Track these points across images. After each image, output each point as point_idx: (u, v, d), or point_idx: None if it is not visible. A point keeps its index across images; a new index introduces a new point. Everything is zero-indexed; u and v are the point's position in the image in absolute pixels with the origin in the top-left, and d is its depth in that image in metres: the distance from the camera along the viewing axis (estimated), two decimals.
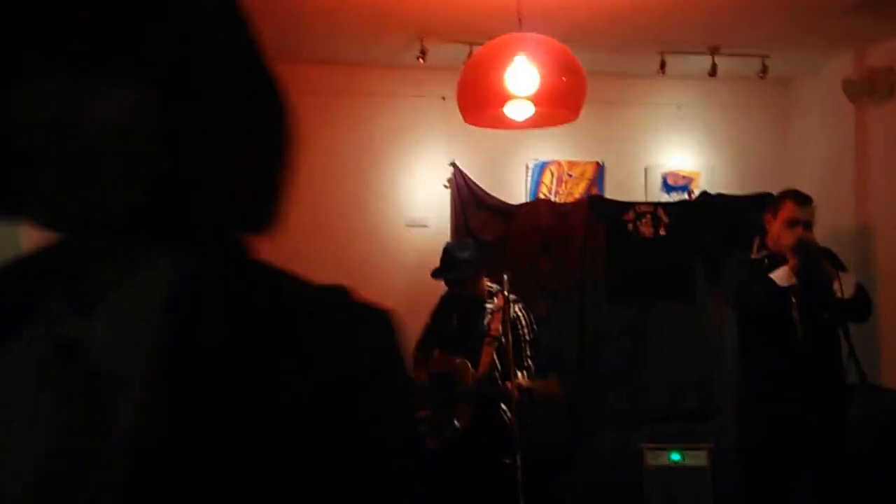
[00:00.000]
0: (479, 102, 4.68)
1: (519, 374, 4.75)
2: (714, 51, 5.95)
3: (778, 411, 4.69)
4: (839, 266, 4.76)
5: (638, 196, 6.63)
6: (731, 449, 5.24)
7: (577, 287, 6.21)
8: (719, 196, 6.40)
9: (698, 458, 6.00)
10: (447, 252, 5.00)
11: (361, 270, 6.36)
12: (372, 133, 6.54)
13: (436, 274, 4.97)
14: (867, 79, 5.85)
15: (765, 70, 6.18)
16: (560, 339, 6.12)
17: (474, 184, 6.27)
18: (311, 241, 6.26)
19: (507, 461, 4.35)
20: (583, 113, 6.20)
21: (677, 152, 6.96)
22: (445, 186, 6.32)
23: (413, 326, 5.06)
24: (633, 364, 6.18)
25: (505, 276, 4.72)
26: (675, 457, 5.99)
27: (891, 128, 5.96)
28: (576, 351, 6.11)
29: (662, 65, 6.02)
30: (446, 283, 5.02)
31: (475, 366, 4.77)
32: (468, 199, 6.27)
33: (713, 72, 6.05)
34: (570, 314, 6.16)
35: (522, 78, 4.40)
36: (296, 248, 6.21)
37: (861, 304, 4.64)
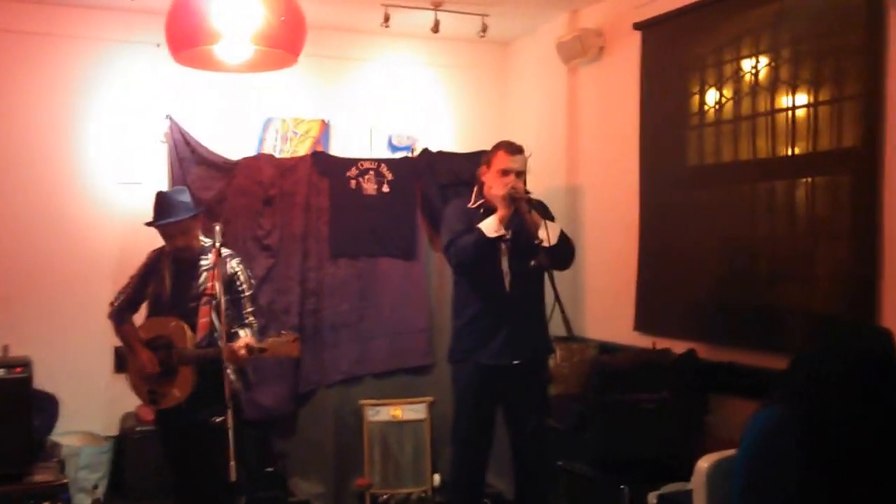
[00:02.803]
0: (187, 40, 4.41)
1: (241, 332, 4.59)
2: (437, 5, 5.98)
3: (483, 359, 4.81)
4: (549, 217, 4.90)
5: (364, 156, 6.56)
6: (449, 399, 5.31)
7: (300, 244, 6.11)
8: (440, 153, 6.47)
9: (417, 412, 6.09)
10: (162, 197, 4.69)
11: (68, 231, 6.10)
12: (75, 81, 6.16)
13: (154, 221, 4.63)
14: (578, 40, 6.03)
15: (485, 29, 6.28)
16: (281, 297, 6.01)
17: (192, 139, 6.02)
18: (7, 201, 5.93)
19: (218, 420, 4.15)
20: (308, 69, 6.18)
21: (401, 111, 7.00)
22: (162, 142, 6.06)
23: None
24: (355, 321, 6.15)
25: (217, 227, 4.44)
26: (394, 412, 6.04)
27: (599, 88, 6.21)
28: (297, 309, 6.01)
29: (387, 18, 6.00)
30: (164, 233, 4.64)
31: (193, 328, 4.51)
32: (186, 154, 6.00)
33: (436, 28, 6.10)
34: (291, 272, 6.05)
35: (234, 15, 4.20)
36: None
37: (565, 251, 4.80)
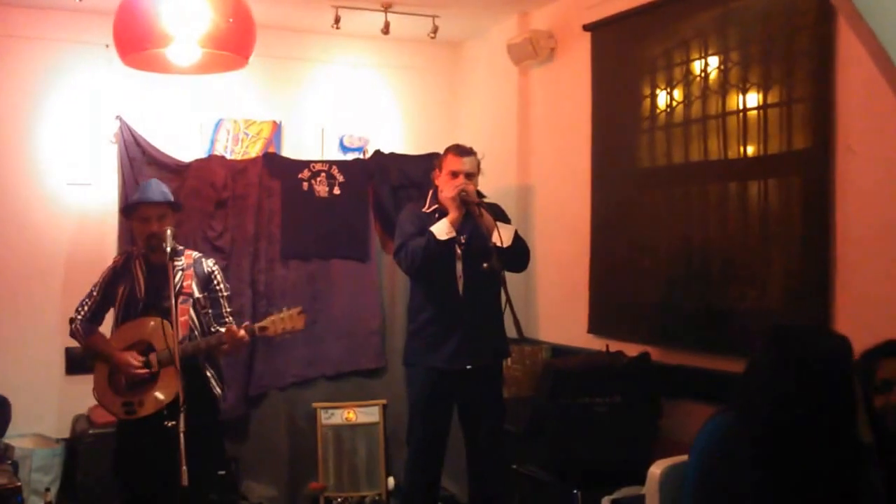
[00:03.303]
0: (135, 43, 4.36)
1: (223, 329, 4.50)
2: (387, 7, 5.97)
3: (437, 363, 4.81)
4: (505, 219, 4.91)
5: (316, 157, 6.56)
6: (403, 402, 5.29)
7: (251, 246, 6.07)
8: (392, 155, 6.45)
9: (371, 415, 6.08)
10: (142, 184, 4.68)
11: (19, 232, 6.02)
12: (23, 82, 6.07)
13: (139, 200, 4.46)
14: (529, 41, 6.02)
15: (435, 30, 6.27)
16: (234, 299, 5.95)
17: (143, 139, 5.96)
18: None
19: (171, 424, 4.05)
20: (259, 70, 6.15)
21: (353, 112, 6.97)
22: (112, 142, 5.98)
23: (75, 291, 4.72)
24: (307, 323, 6.09)
25: (168, 231, 4.29)
26: (348, 414, 6.03)
27: (549, 90, 6.22)
28: (249, 311, 5.96)
29: (337, 20, 5.97)
30: (140, 216, 4.42)
31: (172, 327, 4.28)
32: (137, 155, 5.93)
33: (386, 29, 6.08)
34: (242, 274, 6.00)
35: (182, 18, 4.16)
36: None
37: (519, 253, 4.80)
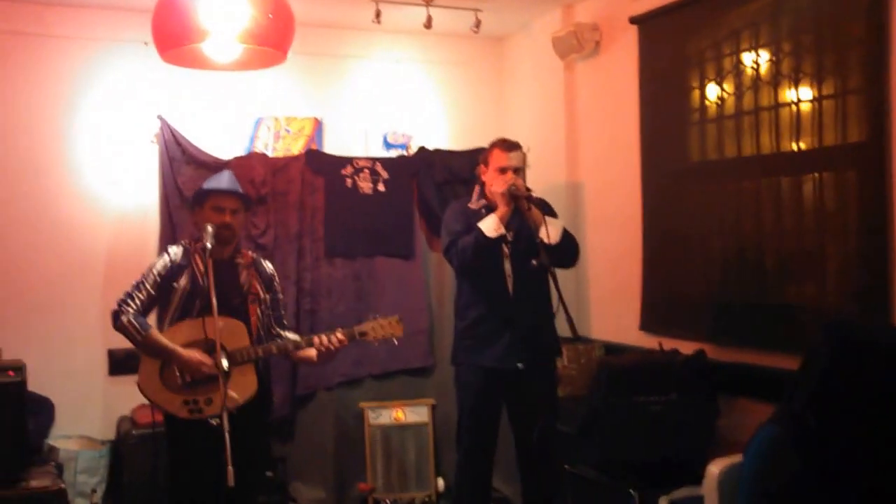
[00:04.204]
0: (174, 38, 4.30)
1: (286, 333, 4.44)
2: (428, 2, 5.86)
3: (487, 362, 4.71)
4: (552, 214, 4.80)
5: (359, 154, 6.48)
6: (451, 402, 5.19)
7: (294, 243, 6.01)
8: (436, 151, 6.37)
9: (420, 414, 5.99)
10: (223, 172, 4.52)
11: (59, 232, 5.99)
12: (63, 81, 6.02)
13: (217, 188, 4.33)
14: (574, 35, 5.94)
15: (478, 24, 6.16)
16: None
17: (183, 138, 5.93)
18: None
19: (215, 422, 3.95)
20: (300, 67, 6.10)
21: (396, 109, 6.89)
22: (152, 142, 5.95)
23: (116, 292, 4.36)
24: (352, 322, 5.98)
25: (209, 227, 4.16)
26: (396, 414, 5.94)
27: (596, 83, 6.12)
28: (293, 309, 5.90)
29: (378, 14, 5.88)
30: (214, 205, 4.28)
31: (244, 327, 4.23)
32: (177, 154, 5.91)
33: (428, 24, 5.97)
34: (287, 272, 5.93)
35: (221, 13, 4.11)
36: None
37: (567, 249, 4.69)
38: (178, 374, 4.19)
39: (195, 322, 4.20)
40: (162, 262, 4.32)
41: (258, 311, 4.34)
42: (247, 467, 3.72)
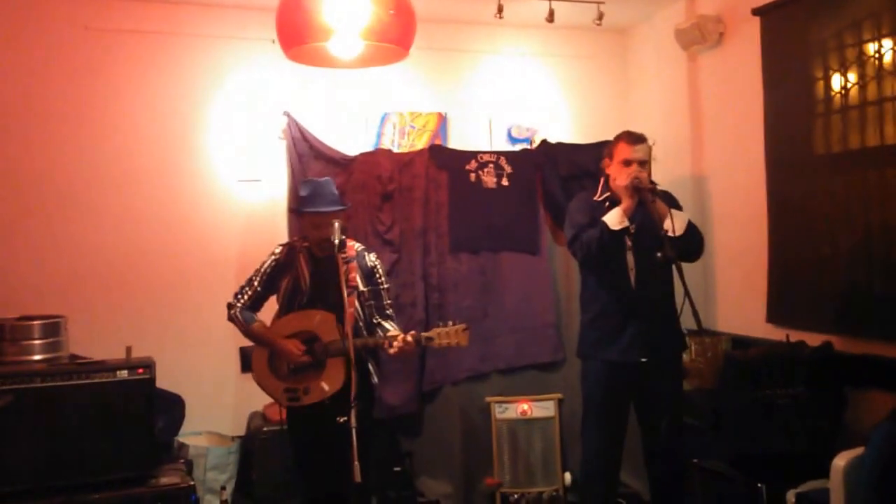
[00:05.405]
0: (297, 36, 4.35)
1: (386, 324, 4.60)
2: None
3: (612, 355, 4.66)
4: (676, 207, 4.73)
5: (483, 149, 6.50)
6: (578, 396, 5.17)
7: (420, 239, 6.06)
8: (560, 144, 6.33)
9: (546, 409, 5.96)
10: (312, 186, 4.59)
11: (189, 230, 6.13)
12: (193, 79, 6.18)
13: (309, 208, 4.50)
14: (697, 27, 5.88)
15: (601, 17, 6.12)
16: (406, 291, 5.98)
17: (311, 135, 6.03)
18: (121, 198, 6.00)
19: (342, 420, 4.04)
20: (423, 62, 6.16)
21: (520, 102, 6.90)
22: (280, 138, 6.07)
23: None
24: (478, 316, 6.04)
25: (336, 223, 4.23)
26: (522, 408, 5.93)
27: (719, 75, 6.04)
28: (421, 304, 5.96)
29: (500, 9, 5.89)
30: (311, 222, 4.48)
31: (339, 320, 4.38)
32: (304, 150, 6.02)
33: (551, 17, 5.97)
34: (413, 267, 6.00)
35: (343, 11, 4.15)
36: (105, 205, 5.94)
37: (692, 241, 4.61)
38: (283, 363, 4.51)
39: (298, 315, 4.51)
40: (269, 260, 4.67)
41: (356, 303, 4.50)
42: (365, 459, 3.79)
